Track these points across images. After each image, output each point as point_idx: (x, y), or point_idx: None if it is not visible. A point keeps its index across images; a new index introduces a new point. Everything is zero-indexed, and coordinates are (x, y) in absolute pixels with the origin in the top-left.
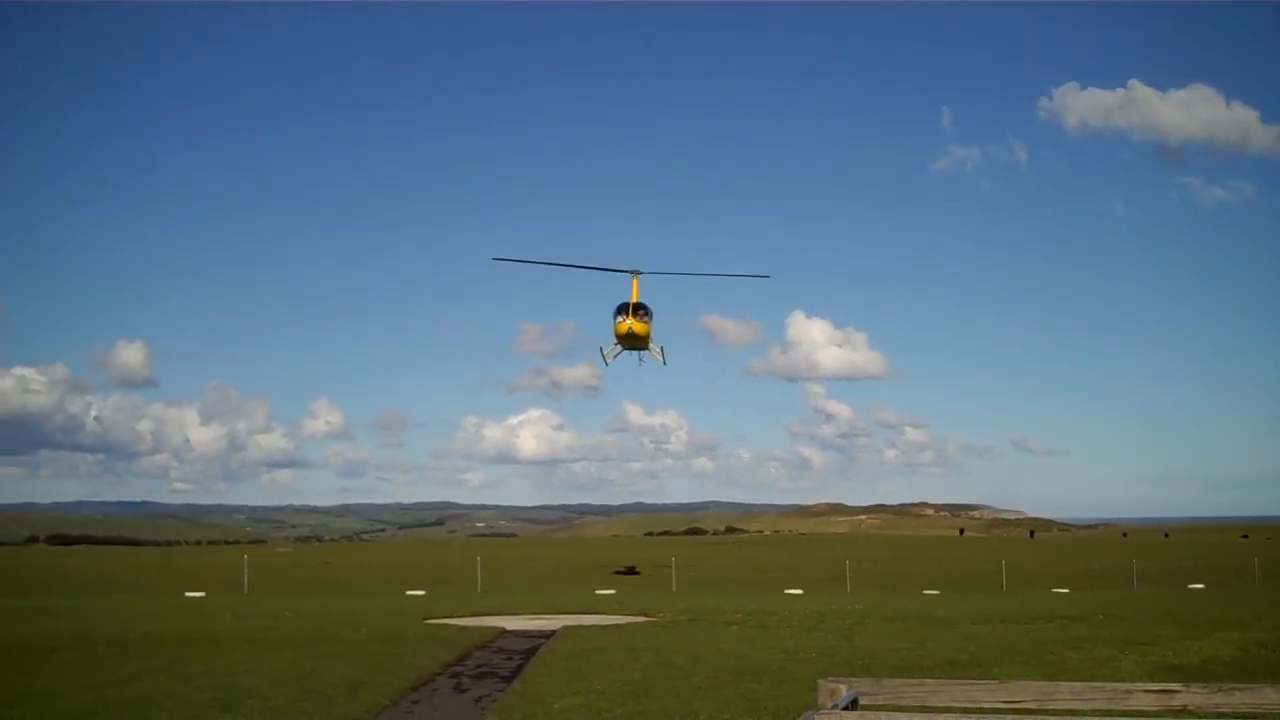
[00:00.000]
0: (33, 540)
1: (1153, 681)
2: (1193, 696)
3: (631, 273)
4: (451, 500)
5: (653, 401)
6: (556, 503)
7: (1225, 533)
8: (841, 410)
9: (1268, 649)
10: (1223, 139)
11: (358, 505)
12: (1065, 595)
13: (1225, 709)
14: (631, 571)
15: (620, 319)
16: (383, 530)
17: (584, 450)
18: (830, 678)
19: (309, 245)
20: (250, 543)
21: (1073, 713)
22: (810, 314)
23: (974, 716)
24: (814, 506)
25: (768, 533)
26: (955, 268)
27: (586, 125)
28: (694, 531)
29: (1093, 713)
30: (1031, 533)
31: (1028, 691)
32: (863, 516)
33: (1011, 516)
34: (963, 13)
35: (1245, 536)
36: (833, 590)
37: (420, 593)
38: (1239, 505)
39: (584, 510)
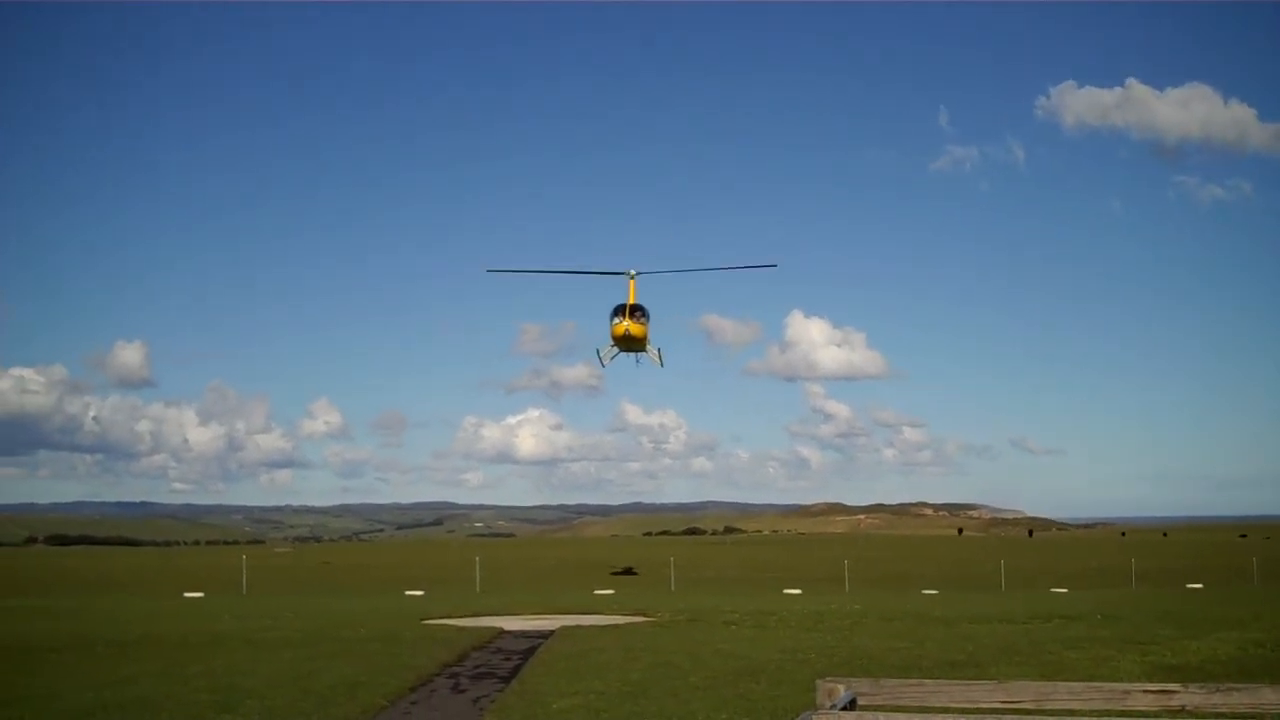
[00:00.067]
0: (31, 541)
1: (1151, 681)
2: (1191, 697)
3: (628, 274)
4: (450, 500)
5: (651, 401)
6: (555, 503)
7: (1224, 532)
8: (840, 410)
9: (1266, 649)
10: (1220, 137)
11: (357, 505)
12: (1064, 595)
13: (1223, 709)
14: (629, 572)
15: (617, 321)
16: (381, 530)
17: (583, 450)
18: (828, 678)
19: (308, 245)
20: (249, 543)
21: (1071, 713)
22: (809, 314)
23: (972, 716)
24: (813, 506)
25: (766, 532)
26: (954, 267)
27: (586, 125)
28: (693, 531)
29: (1091, 713)
30: (1030, 532)
31: (1026, 692)
32: (861, 516)
33: (1010, 516)
34: (961, 12)
35: (1244, 536)
36: (831, 590)
37: (419, 593)
38: (1238, 505)
39: (583, 510)
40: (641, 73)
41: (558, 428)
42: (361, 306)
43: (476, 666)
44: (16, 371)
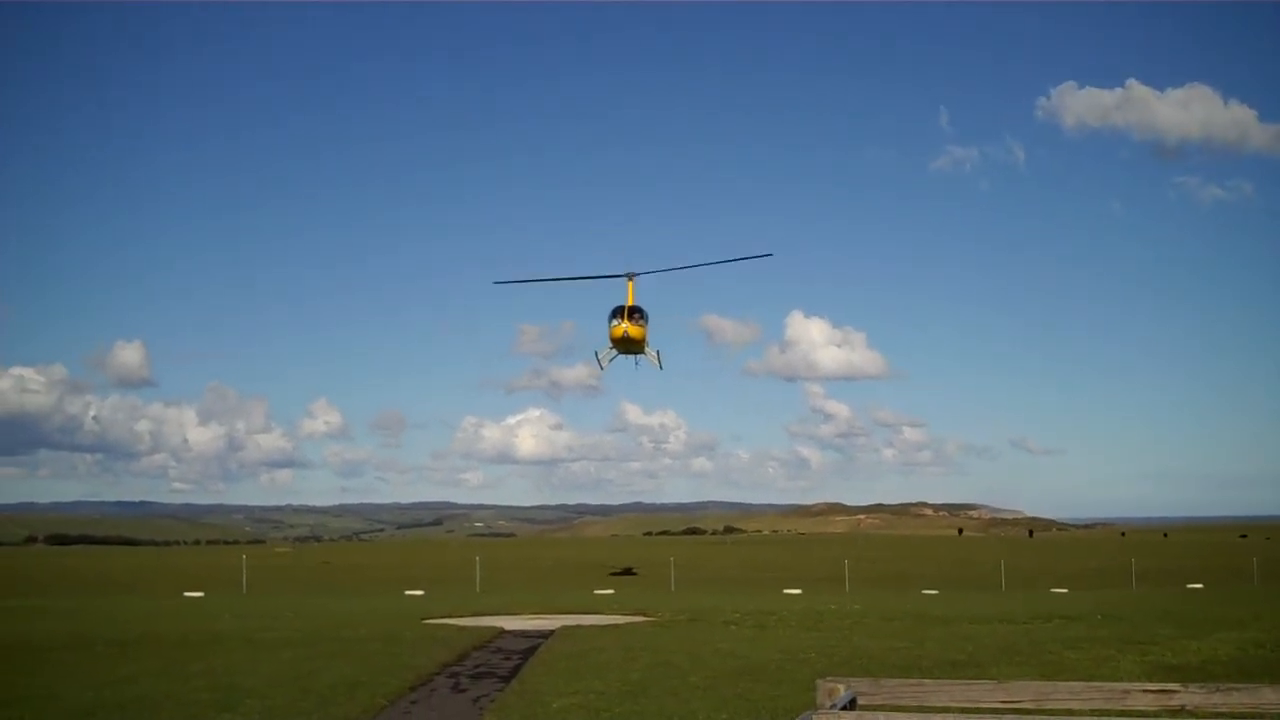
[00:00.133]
0: (31, 540)
1: (1151, 681)
2: (1191, 696)
3: (626, 276)
4: (450, 500)
5: (651, 401)
6: (555, 502)
7: (1224, 532)
8: (840, 410)
9: (1266, 649)
10: (1220, 138)
11: (356, 505)
12: (1064, 595)
13: (1223, 709)
14: (628, 572)
15: (615, 322)
16: (381, 530)
17: (583, 450)
18: (828, 678)
19: (308, 245)
20: (249, 543)
21: (1071, 712)
22: (809, 313)
23: (972, 716)
24: (812, 506)
25: (766, 532)
26: (954, 267)
27: (585, 125)
28: (693, 531)
29: (1091, 712)
30: (1030, 532)
31: (1026, 691)
32: (861, 516)
33: (1010, 516)
34: (961, 13)
35: (1244, 536)
36: (831, 590)
37: (419, 593)
38: (1237, 505)
39: (583, 510)
40: (641, 73)
41: (558, 428)
42: (361, 306)
43: (476, 666)
44: (16, 371)
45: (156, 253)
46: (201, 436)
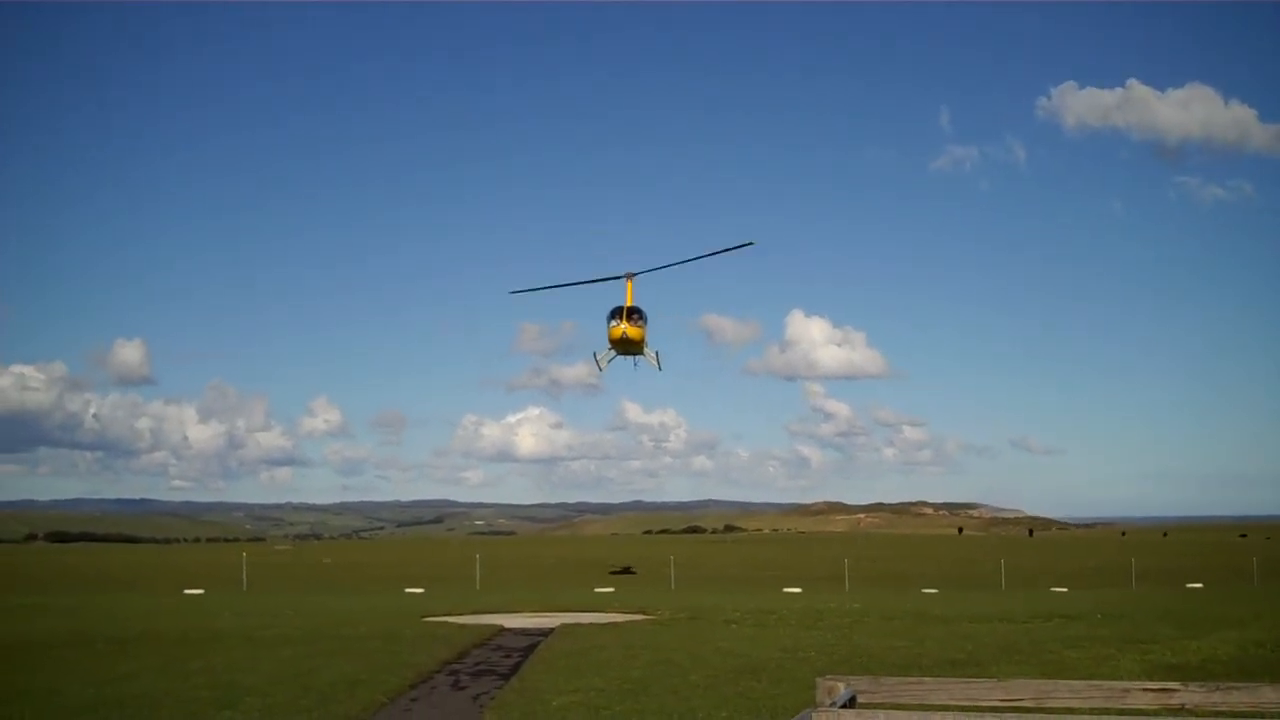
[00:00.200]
0: (31, 538)
1: (1151, 680)
2: (1191, 695)
3: (625, 276)
4: (450, 498)
5: (651, 400)
6: (555, 501)
7: (1224, 532)
8: (840, 409)
9: (1266, 648)
10: (1221, 138)
11: (357, 503)
12: (1064, 594)
13: (1223, 708)
14: (627, 571)
15: (614, 323)
16: (381, 528)
17: (583, 449)
18: (828, 676)
19: (308, 244)
20: (249, 540)
21: (1071, 711)
22: (809, 313)
23: (972, 715)
24: (813, 505)
25: (766, 531)
26: (954, 267)
27: (585, 125)
28: (693, 530)
29: (1091, 711)
30: (1030, 531)
31: (1026, 690)
32: (861, 515)
33: (1010, 515)
34: (961, 12)
35: (1244, 536)
36: (831, 589)
37: (419, 590)
38: (1237, 504)
39: (583, 508)
40: (641, 73)
41: (558, 426)
42: (361, 305)
43: (476, 664)
44: (17, 368)
45: (156, 252)
46: (202, 434)
